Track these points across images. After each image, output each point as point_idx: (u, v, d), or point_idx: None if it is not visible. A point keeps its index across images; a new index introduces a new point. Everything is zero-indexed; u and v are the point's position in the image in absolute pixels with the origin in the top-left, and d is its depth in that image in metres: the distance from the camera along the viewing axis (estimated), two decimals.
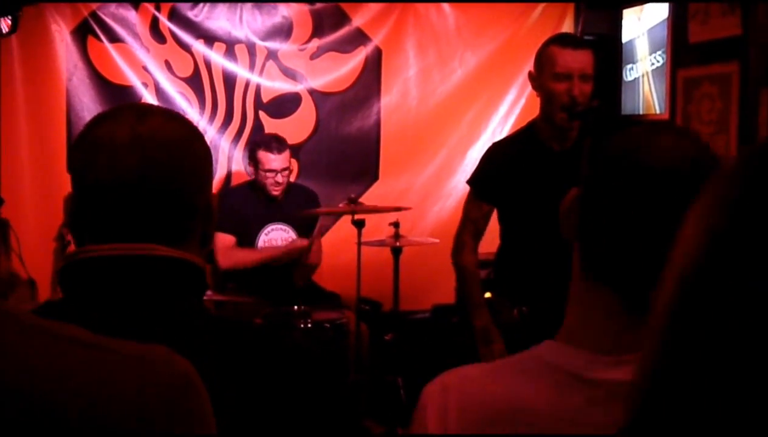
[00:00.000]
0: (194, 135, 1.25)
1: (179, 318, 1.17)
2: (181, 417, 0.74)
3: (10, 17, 0.73)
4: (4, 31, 0.73)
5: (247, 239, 4.39)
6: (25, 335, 0.71)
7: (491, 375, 1.06)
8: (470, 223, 3.21)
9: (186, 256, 1.18)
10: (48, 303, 1.24)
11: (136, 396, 0.71)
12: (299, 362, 1.22)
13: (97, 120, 1.21)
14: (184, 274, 1.18)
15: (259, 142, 4.47)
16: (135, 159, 1.14)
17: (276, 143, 4.36)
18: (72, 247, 1.23)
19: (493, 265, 3.35)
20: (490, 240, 3.36)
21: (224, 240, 4.32)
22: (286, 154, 4.36)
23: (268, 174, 4.32)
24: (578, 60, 2.95)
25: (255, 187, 4.44)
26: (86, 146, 1.18)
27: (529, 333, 3.03)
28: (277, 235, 4.45)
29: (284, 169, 4.34)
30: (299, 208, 4.39)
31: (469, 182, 3.26)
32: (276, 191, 4.35)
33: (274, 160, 4.31)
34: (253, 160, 4.40)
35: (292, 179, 4.78)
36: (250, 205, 4.41)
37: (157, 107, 1.32)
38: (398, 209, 4.09)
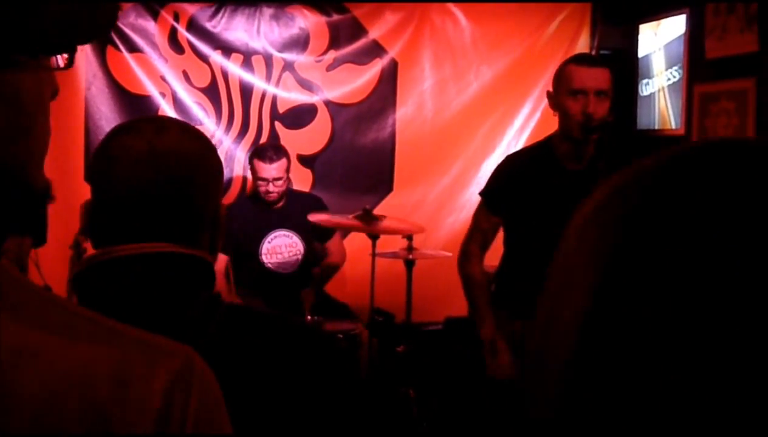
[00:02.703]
0: (207, 150, 1.33)
1: (200, 310, 1.25)
2: (190, 398, 0.75)
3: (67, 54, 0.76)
4: (61, 65, 0.76)
5: (250, 247, 4.40)
6: (43, 307, 0.74)
7: None
8: (479, 234, 3.21)
9: (198, 253, 1.28)
10: None
11: (144, 379, 0.73)
12: (322, 351, 1.30)
13: (116, 132, 1.31)
14: (198, 269, 1.27)
15: (257, 150, 4.48)
16: (151, 172, 1.24)
17: (272, 152, 4.34)
18: (87, 254, 1.28)
19: (495, 278, 3.34)
20: (492, 254, 3.35)
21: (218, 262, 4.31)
22: (281, 163, 4.33)
23: (260, 182, 4.34)
24: (594, 77, 2.96)
25: (256, 195, 4.46)
26: (106, 158, 1.27)
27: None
28: (280, 242, 4.45)
29: (276, 179, 4.32)
30: (302, 214, 4.38)
31: (481, 193, 3.27)
32: (269, 199, 4.36)
33: (265, 169, 4.30)
34: (251, 168, 4.43)
35: (307, 189, 4.80)
36: (251, 214, 4.41)
37: (175, 121, 1.40)
38: (410, 235, 4.04)
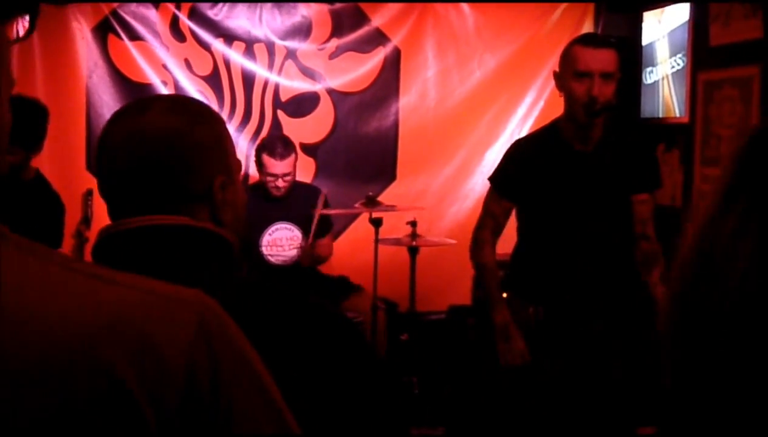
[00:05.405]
0: (192, 124, 1.30)
1: (206, 282, 1.23)
2: (219, 349, 0.73)
3: (27, 18, 0.73)
4: (20, 35, 0.73)
5: (250, 239, 4.34)
6: (56, 272, 0.71)
7: None
8: (490, 219, 3.20)
9: (199, 224, 1.27)
10: None
11: (170, 333, 0.71)
12: (338, 330, 1.30)
13: (111, 118, 1.34)
14: (202, 241, 1.27)
15: (265, 144, 4.39)
16: (125, 157, 1.27)
17: (281, 148, 4.28)
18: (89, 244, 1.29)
19: (509, 264, 3.35)
20: (506, 240, 3.35)
21: None
22: (290, 159, 4.29)
23: (269, 178, 4.29)
24: (599, 59, 2.94)
25: (259, 187, 4.41)
26: (98, 145, 1.34)
27: (544, 333, 3.05)
28: (281, 234, 4.42)
29: (285, 175, 4.28)
30: (304, 206, 4.36)
31: (490, 179, 3.25)
32: (277, 193, 4.32)
33: (275, 166, 4.26)
34: (258, 161, 4.35)
35: (309, 180, 4.78)
36: (253, 205, 4.36)
37: (164, 98, 1.45)
38: (413, 221, 4.06)
